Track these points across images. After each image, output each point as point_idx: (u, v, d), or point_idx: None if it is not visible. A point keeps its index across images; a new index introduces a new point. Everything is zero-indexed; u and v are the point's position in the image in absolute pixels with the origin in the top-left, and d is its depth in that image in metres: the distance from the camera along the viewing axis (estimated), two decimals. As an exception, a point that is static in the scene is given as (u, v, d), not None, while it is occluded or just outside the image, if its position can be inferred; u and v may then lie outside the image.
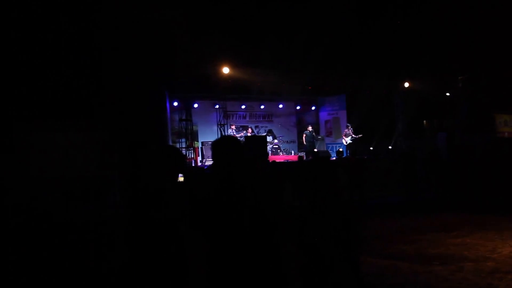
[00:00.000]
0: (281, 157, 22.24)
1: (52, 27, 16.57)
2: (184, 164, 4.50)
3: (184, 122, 20.00)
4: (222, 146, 3.48)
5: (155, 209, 3.85)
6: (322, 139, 24.43)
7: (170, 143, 21.55)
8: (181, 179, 4.49)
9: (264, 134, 24.18)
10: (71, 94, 17.10)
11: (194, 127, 21.42)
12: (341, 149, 18.46)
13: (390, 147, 24.91)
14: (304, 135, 23.50)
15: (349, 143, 22.80)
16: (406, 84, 24.95)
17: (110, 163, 15.29)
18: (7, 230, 12.46)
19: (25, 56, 16.13)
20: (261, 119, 26.39)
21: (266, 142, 20.89)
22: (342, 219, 3.18)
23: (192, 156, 20.22)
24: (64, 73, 16.81)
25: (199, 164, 20.32)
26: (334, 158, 18.16)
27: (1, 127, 14.48)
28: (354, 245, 3.24)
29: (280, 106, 26.54)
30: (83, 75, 17.13)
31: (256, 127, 25.33)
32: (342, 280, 3.11)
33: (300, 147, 26.18)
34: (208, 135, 22.87)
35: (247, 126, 24.36)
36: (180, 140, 20.61)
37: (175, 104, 21.94)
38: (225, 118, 21.19)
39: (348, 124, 23.54)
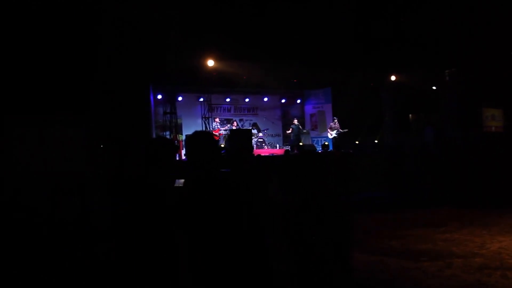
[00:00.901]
0: (266, 151, 22.08)
1: (37, 23, 16.35)
2: (175, 155, 4.38)
3: (168, 115, 19.77)
4: (197, 142, 3.33)
5: (146, 203, 3.75)
6: (308, 133, 24.28)
7: (154, 137, 21.35)
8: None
9: (250, 127, 24.03)
10: (54, 89, 16.87)
11: (178, 120, 21.17)
12: (326, 143, 18.35)
13: (376, 141, 24.86)
14: (291, 128, 23.34)
15: (334, 136, 22.69)
16: (393, 78, 24.92)
17: (96, 157, 15.15)
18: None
19: (9, 50, 15.92)
20: (245, 112, 26.25)
21: (251, 135, 20.71)
22: (334, 216, 3.02)
23: (176, 150, 20.01)
24: (48, 67, 16.59)
25: (183, 157, 20.10)
26: (319, 152, 18.04)
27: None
28: (346, 242, 3.09)
29: (265, 99, 26.38)
30: (67, 70, 16.91)
31: (240, 120, 25.19)
32: (334, 277, 2.94)
33: (285, 140, 26.10)
34: (192, 128, 22.57)
35: (232, 119, 24.18)
36: (164, 133, 20.41)
37: (159, 97, 21.79)
38: (209, 111, 21.01)
39: (334, 118, 23.44)
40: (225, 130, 21.38)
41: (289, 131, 23.52)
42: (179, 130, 21.19)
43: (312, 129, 25.91)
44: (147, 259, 3.79)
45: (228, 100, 25.34)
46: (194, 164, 3.25)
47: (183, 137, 21.39)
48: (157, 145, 4.21)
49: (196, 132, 3.39)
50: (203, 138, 3.35)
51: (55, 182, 14.97)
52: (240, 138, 18.50)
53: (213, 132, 20.76)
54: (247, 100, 25.94)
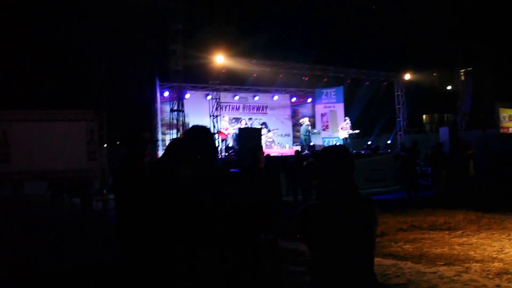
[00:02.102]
0: (275, 151, 21.81)
1: (40, 18, 16.34)
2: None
3: (175, 113, 19.50)
4: (196, 138, 3.15)
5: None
6: (319, 133, 23.99)
7: (160, 135, 21.17)
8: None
9: (260, 126, 23.79)
10: (58, 84, 16.79)
11: (186, 119, 20.96)
12: (337, 144, 18.02)
13: (389, 142, 24.64)
14: (302, 122, 23.11)
15: (345, 137, 22.37)
16: (407, 76, 24.62)
17: (98, 153, 15.10)
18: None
19: (10, 45, 15.92)
20: (255, 111, 26.11)
21: (261, 134, 20.38)
22: (361, 215, 2.87)
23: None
24: (51, 62, 16.54)
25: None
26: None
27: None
28: (372, 243, 2.93)
29: (275, 97, 26.30)
30: (72, 64, 16.85)
31: (249, 119, 24.94)
32: (357, 279, 2.85)
33: (295, 141, 25.94)
34: (200, 127, 22.49)
35: (241, 118, 23.97)
36: (170, 131, 20.21)
37: (166, 94, 21.65)
38: (217, 109, 20.79)
39: (346, 118, 23.11)
40: (234, 129, 21.10)
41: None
42: (185, 128, 20.97)
43: (323, 129, 25.63)
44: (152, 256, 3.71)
45: (237, 98, 25.25)
46: (193, 162, 3.07)
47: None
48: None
49: (194, 127, 3.23)
50: (202, 134, 3.16)
51: (55, 178, 14.94)
52: (250, 137, 18.21)
53: (223, 130, 20.55)
54: (256, 98, 25.83)
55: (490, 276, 6.57)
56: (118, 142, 19.24)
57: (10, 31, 15.59)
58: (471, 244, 8.56)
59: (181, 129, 19.39)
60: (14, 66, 15.84)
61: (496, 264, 7.14)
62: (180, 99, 19.48)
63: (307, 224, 2.95)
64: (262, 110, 26.31)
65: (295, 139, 26.09)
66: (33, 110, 14.68)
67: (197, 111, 22.99)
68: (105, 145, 16.74)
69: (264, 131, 23.37)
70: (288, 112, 27.30)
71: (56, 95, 16.52)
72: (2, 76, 15.74)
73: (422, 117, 29.54)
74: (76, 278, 7.28)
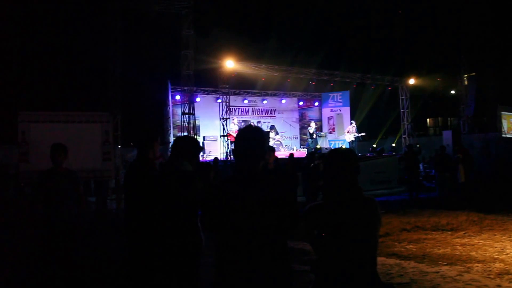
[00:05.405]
0: (283, 153, 22.07)
1: (59, 24, 16.50)
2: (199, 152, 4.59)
3: (187, 116, 19.80)
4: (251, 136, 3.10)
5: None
6: (325, 136, 24.25)
7: (172, 137, 21.49)
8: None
9: (268, 129, 24.09)
10: (75, 87, 16.97)
11: (196, 122, 21.25)
12: (343, 146, 18.25)
13: (393, 145, 24.80)
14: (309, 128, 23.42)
15: (351, 140, 22.63)
16: (412, 81, 24.84)
17: (112, 154, 15.25)
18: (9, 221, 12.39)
19: (30, 50, 16.06)
20: (263, 114, 26.37)
21: (269, 137, 20.70)
22: (365, 215, 2.98)
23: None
24: (69, 66, 16.71)
25: (201, 159, 20.15)
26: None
27: (5, 118, 14.37)
28: (374, 243, 3.04)
29: (283, 101, 26.53)
30: (89, 69, 17.02)
31: (258, 122, 25.22)
32: (360, 278, 2.94)
33: (302, 143, 26.17)
34: (210, 129, 22.88)
35: (249, 121, 24.22)
36: (182, 133, 20.45)
37: (178, 97, 21.96)
38: (227, 112, 21.08)
39: (352, 121, 23.36)
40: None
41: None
42: (196, 131, 21.28)
43: (330, 132, 25.88)
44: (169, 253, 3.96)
45: (246, 101, 25.57)
46: (243, 160, 3.03)
47: (201, 139, 21.51)
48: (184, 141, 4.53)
49: (245, 127, 3.22)
50: (256, 133, 3.12)
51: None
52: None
53: (232, 133, 20.81)
54: (265, 102, 26.15)
55: (492, 276, 6.58)
56: (132, 144, 19.45)
57: (29, 36, 15.83)
58: (473, 244, 8.60)
59: (192, 131, 19.69)
60: (34, 70, 16.07)
61: (497, 264, 7.17)
62: (191, 102, 19.74)
63: (312, 223, 3.03)
64: (270, 113, 26.65)
65: (302, 142, 26.35)
66: (51, 111, 14.85)
67: (208, 114, 23.40)
68: (119, 146, 17.02)
69: (272, 133, 23.70)
70: (295, 115, 27.64)
71: (73, 97, 16.81)
72: (22, 79, 15.98)
73: (426, 120, 29.70)
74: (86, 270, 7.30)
